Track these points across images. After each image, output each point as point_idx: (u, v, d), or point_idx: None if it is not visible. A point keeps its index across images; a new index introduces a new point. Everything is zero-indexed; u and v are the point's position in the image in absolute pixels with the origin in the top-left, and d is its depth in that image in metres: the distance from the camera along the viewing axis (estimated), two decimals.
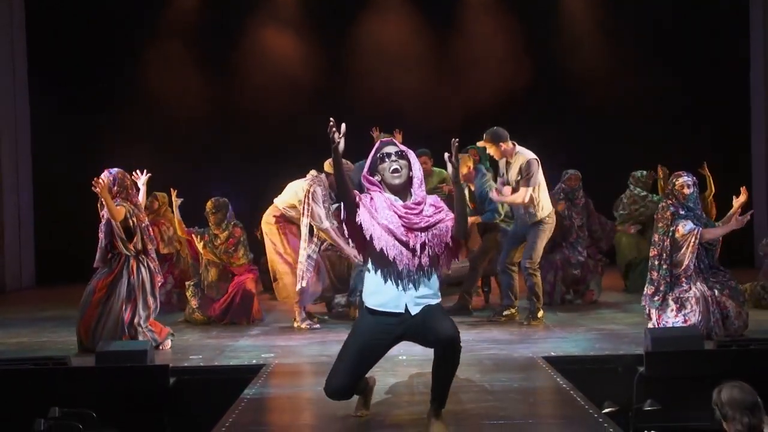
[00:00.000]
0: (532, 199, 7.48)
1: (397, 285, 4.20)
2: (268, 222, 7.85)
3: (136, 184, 7.12)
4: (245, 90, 12.59)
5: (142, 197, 7.19)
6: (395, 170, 4.24)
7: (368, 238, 4.18)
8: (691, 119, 12.36)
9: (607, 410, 4.74)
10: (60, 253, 11.78)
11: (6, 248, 11.76)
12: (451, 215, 4.27)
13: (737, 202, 7.03)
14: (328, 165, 7.62)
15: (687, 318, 6.56)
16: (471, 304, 8.42)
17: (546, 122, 11.67)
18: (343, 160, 4.22)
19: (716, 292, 6.64)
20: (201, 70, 12.52)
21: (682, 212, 6.74)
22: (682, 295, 6.64)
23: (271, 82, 12.46)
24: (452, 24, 12.86)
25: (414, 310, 4.21)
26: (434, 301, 4.26)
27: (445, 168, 4.26)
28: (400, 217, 4.19)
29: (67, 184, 11.63)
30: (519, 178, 7.51)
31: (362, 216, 4.19)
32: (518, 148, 7.62)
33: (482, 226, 8.34)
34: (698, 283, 6.65)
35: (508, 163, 7.66)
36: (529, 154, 7.54)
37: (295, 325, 7.76)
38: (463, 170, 7.94)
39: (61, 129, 12.18)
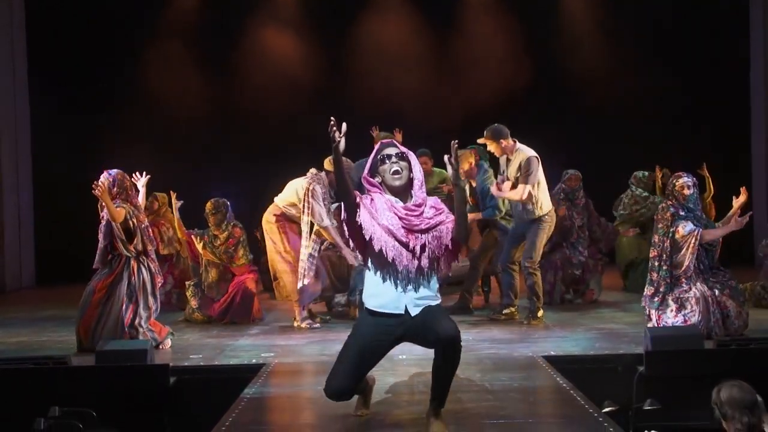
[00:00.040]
0: (531, 196, 7.49)
1: (397, 286, 4.20)
2: (268, 221, 7.85)
3: (135, 185, 7.12)
4: (245, 90, 12.59)
5: (141, 198, 7.19)
6: (396, 172, 4.25)
7: (368, 239, 4.18)
8: (691, 119, 12.37)
9: (607, 409, 4.74)
10: (60, 253, 11.78)
11: (6, 248, 11.76)
12: (452, 217, 4.27)
13: (737, 202, 7.03)
14: (328, 163, 7.63)
15: (687, 318, 6.56)
16: (472, 304, 8.43)
17: (546, 122, 11.67)
18: (344, 158, 4.23)
19: (716, 292, 6.64)
20: (201, 70, 12.53)
21: (682, 213, 6.74)
22: (682, 296, 6.65)
23: (271, 82, 12.47)
24: (452, 24, 12.87)
25: (414, 312, 4.21)
26: (434, 302, 4.26)
27: (446, 168, 4.26)
28: (400, 218, 4.20)
29: (67, 184, 11.64)
30: (518, 174, 7.52)
31: (363, 217, 4.19)
32: (519, 145, 7.62)
33: (482, 222, 8.34)
34: (698, 284, 6.65)
35: (508, 160, 7.67)
36: (530, 152, 7.55)
37: (295, 324, 7.77)
38: (465, 166, 7.95)
39: (61, 129, 12.18)
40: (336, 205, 7.93)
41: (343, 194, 4.23)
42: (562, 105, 12.36)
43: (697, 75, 12.33)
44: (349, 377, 4.29)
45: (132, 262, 6.77)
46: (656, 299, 6.72)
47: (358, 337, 4.32)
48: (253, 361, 6.19)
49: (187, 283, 8.54)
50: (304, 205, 7.59)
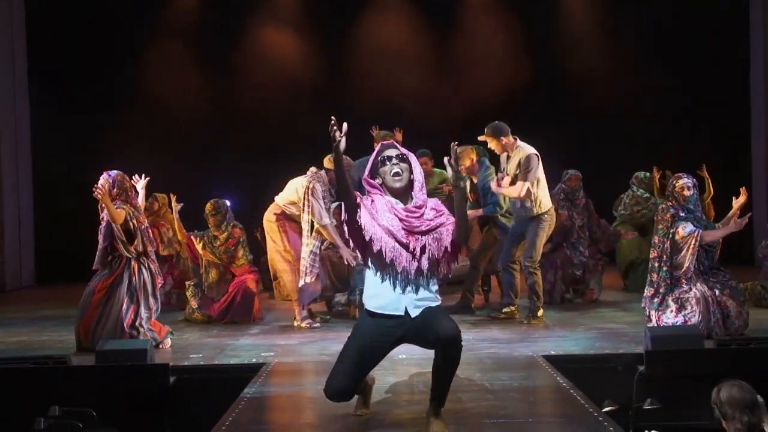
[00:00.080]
0: (529, 193, 7.48)
1: (397, 287, 4.21)
2: (268, 220, 7.86)
3: (135, 186, 7.13)
4: (245, 90, 12.59)
5: (141, 200, 7.19)
6: (396, 173, 4.25)
7: (368, 239, 4.18)
8: (691, 119, 12.36)
9: (607, 409, 4.74)
10: (60, 252, 11.78)
11: (6, 248, 11.76)
12: (452, 219, 4.28)
13: (737, 203, 7.03)
14: (327, 161, 7.63)
15: (687, 319, 6.56)
16: (473, 303, 8.43)
17: (546, 122, 11.67)
18: (344, 157, 4.23)
19: (716, 292, 6.64)
20: (201, 70, 12.52)
21: (682, 214, 6.74)
22: (682, 296, 6.65)
23: (271, 81, 12.47)
24: (452, 24, 12.87)
25: (414, 313, 4.21)
26: (434, 304, 4.26)
27: (446, 169, 4.27)
28: (400, 220, 4.20)
29: (67, 184, 11.64)
30: (518, 171, 7.51)
31: (363, 217, 4.20)
32: (519, 142, 7.63)
33: (482, 220, 8.32)
34: (698, 284, 6.65)
35: (508, 157, 7.67)
36: (530, 149, 7.55)
37: (295, 324, 7.77)
38: (466, 163, 7.96)
39: (61, 129, 12.18)
40: (336, 204, 7.94)
41: (344, 194, 4.23)
42: (562, 105, 12.36)
43: (697, 75, 12.32)
44: (349, 378, 4.29)
45: (132, 263, 6.78)
46: (656, 300, 6.72)
47: (358, 338, 4.32)
48: (253, 360, 6.19)
49: (187, 283, 8.54)
50: (304, 204, 7.59)
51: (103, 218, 6.77)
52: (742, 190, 7.09)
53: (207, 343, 7.08)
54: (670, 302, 6.67)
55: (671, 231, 6.71)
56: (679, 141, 12.00)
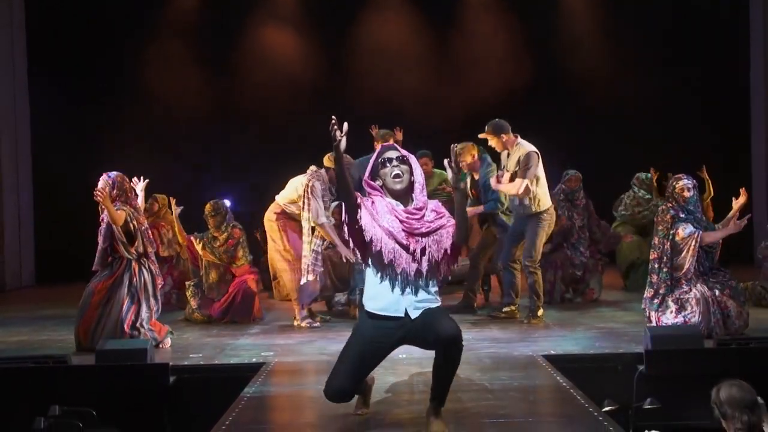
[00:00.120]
0: (528, 191, 7.47)
1: (397, 289, 4.21)
2: (269, 219, 7.87)
3: (134, 188, 7.12)
4: (245, 90, 12.59)
5: (140, 202, 7.19)
6: (397, 175, 4.25)
7: (368, 240, 4.19)
8: (691, 119, 12.36)
9: (607, 409, 4.73)
10: (60, 252, 11.78)
11: (6, 248, 11.76)
12: (453, 221, 4.28)
13: (736, 204, 7.02)
14: (327, 160, 7.64)
15: (687, 320, 6.56)
16: (476, 302, 8.44)
17: (546, 122, 11.66)
18: (344, 155, 4.24)
19: (716, 292, 6.64)
20: (201, 69, 12.52)
21: (682, 215, 6.73)
22: (681, 297, 6.65)
23: (271, 81, 12.47)
24: (452, 23, 12.87)
25: (414, 314, 4.22)
26: (434, 305, 4.26)
27: (446, 170, 4.27)
28: (401, 221, 4.20)
29: (67, 184, 11.64)
30: (517, 168, 7.51)
31: (363, 218, 4.20)
32: (520, 140, 7.62)
33: (481, 217, 8.29)
34: (698, 285, 6.65)
35: (509, 155, 7.67)
36: (530, 147, 7.55)
37: (295, 323, 7.77)
38: (468, 159, 7.95)
39: (62, 129, 12.18)
40: (336, 203, 7.94)
41: (344, 195, 4.23)
42: (562, 105, 12.35)
43: (697, 75, 12.32)
44: (349, 379, 4.29)
45: (133, 264, 6.78)
46: (656, 301, 6.73)
47: (358, 339, 4.32)
48: (253, 360, 6.19)
49: (187, 283, 8.54)
50: (303, 202, 7.60)
51: (102, 219, 6.77)
52: (742, 190, 7.08)
53: (207, 342, 7.08)
54: (670, 303, 6.67)
55: (671, 232, 6.71)
56: (679, 141, 11.99)
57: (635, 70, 12.47)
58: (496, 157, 8.03)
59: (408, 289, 4.21)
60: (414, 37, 12.68)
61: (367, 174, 4.34)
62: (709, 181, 9.43)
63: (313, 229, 7.60)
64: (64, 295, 9.62)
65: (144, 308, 6.75)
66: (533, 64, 12.46)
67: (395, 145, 4.45)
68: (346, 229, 4.26)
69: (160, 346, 6.77)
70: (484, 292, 9.10)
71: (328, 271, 8.25)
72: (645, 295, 6.84)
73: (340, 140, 4.07)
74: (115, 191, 6.76)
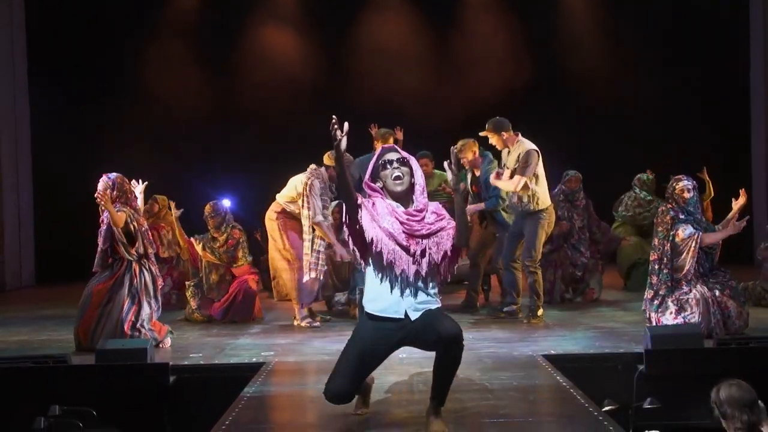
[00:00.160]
0: (527, 189, 7.47)
1: (397, 290, 4.21)
2: (270, 218, 7.87)
3: (133, 190, 7.11)
4: (245, 90, 12.59)
5: (140, 205, 7.18)
6: (397, 177, 4.25)
7: (369, 241, 4.18)
8: (691, 119, 12.36)
9: (607, 408, 4.74)
10: (60, 252, 11.78)
11: (6, 247, 11.76)
12: (453, 223, 4.28)
13: (736, 204, 7.01)
14: (327, 158, 7.65)
15: (687, 320, 6.55)
16: (478, 301, 8.44)
17: (546, 122, 11.65)
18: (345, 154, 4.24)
19: (716, 292, 6.63)
20: (201, 69, 12.52)
21: (681, 216, 6.73)
22: (681, 298, 6.64)
23: (271, 81, 12.47)
24: (452, 23, 12.87)
25: (414, 316, 4.22)
26: (434, 306, 4.26)
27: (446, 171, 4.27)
28: (401, 223, 4.20)
29: (67, 184, 11.64)
30: (517, 165, 7.51)
31: (364, 218, 4.20)
32: (521, 138, 7.63)
33: (480, 214, 8.26)
34: (698, 286, 6.65)
35: (509, 152, 7.66)
36: (530, 145, 7.56)
37: (295, 323, 7.78)
38: (469, 156, 7.96)
39: (62, 129, 12.18)
40: (336, 202, 7.95)
41: (345, 196, 4.24)
42: (562, 105, 12.35)
43: (697, 75, 12.32)
44: (349, 381, 4.28)
45: (134, 265, 6.78)
46: (656, 302, 6.73)
47: (358, 341, 4.32)
48: (253, 359, 6.19)
49: (187, 283, 8.54)
50: (303, 200, 7.60)
51: (102, 221, 6.77)
52: (742, 191, 7.07)
53: (207, 342, 7.09)
54: (670, 304, 6.67)
55: (671, 233, 6.71)
56: (679, 141, 12.00)
57: (635, 70, 12.47)
58: (496, 155, 8.03)
59: (408, 291, 4.21)
60: (414, 37, 12.68)
61: (367, 176, 4.35)
62: (710, 183, 9.43)
63: (320, 223, 7.60)
64: (64, 295, 9.62)
65: (144, 309, 6.75)
66: (533, 64, 12.46)
67: (395, 146, 4.46)
68: (346, 229, 4.26)
69: (160, 345, 6.77)
70: (484, 291, 9.10)
71: (329, 270, 8.26)
72: (645, 296, 6.85)
73: (340, 140, 4.07)
74: (115, 192, 6.76)
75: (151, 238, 7.05)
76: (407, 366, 5.69)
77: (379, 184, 4.31)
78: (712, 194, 9.46)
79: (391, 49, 12.51)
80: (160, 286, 7.01)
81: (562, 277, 9.04)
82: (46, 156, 12.31)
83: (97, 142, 12.06)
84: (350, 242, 4.28)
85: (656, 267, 6.77)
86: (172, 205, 8.65)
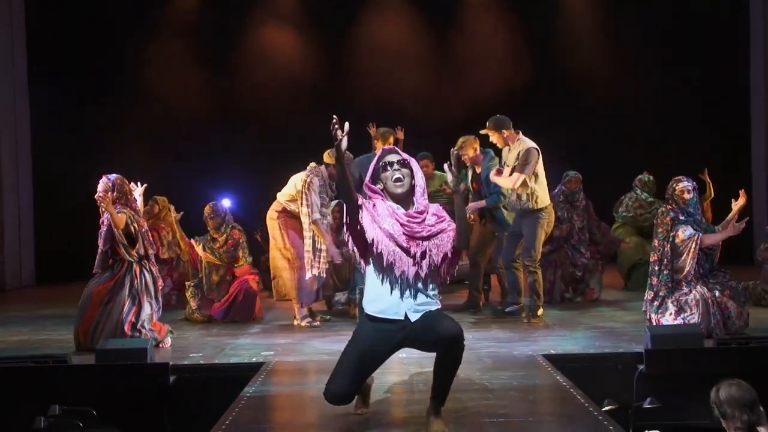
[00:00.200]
0: (525, 187, 7.46)
1: (397, 292, 4.21)
2: (270, 217, 7.88)
3: (133, 192, 7.11)
4: (245, 90, 12.59)
5: (139, 207, 7.18)
6: (398, 179, 4.26)
7: (370, 241, 4.18)
8: (691, 119, 12.36)
9: (606, 408, 4.74)
10: (60, 252, 11.79)
11: (6, 247, 11.76)
12: (453, 225, 4.28)
13: (736, 205, 7.01)
14: (327, 156, 7.66)
15: (686, 321, 6.55)
16: (481, 300, 8.44)
17: (546, 122, 11.64)
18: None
19: (717, 293, 6.63)
20: (201, 69, 12.51)
21: (681, 217, 6.74)
22: (681, 299, 6.64)
23: (271, 81, 12.47)
24: (452, 23, 12.87)
25: (413, 317, 4.22)
26: (434, 308, 4.26)
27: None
28: (402, 225, 4.20)
29: (67, 184, 11.64)
30: (516, 163, 7.51)
31: (364, 219, 4.20)
32: (521, 136, 7.63)
33: (480, 212, 8.25)
34: (698, 287, 6.65)
35: (510, 150, 7.66)
36: (531, 143, 7.55)
37: (295, 323, 7.78)
38: (470, 153, 7.96)
39: (62, 129, 12.18)
40: (336, 202, 7.95)
41: (346, 196, 4.24)
42: (562, 105, 12.35)
43: (697, 75, 12.32)
44: (349, 382, 4.28)
45: (134, 266, 6.78)
46: (656, 303, 6.73)
47: (358, 342, 4.32)
48: (253, 359, 6.20)
49: (187, 284, 8.54)
50: (301, 197, 7.60)
51: (102, 222, 6.77)
52: (741, 192, 7.06)
53: (207, 342, 7.09)
54: (669, 305, 6.67)
55: (671, 234, 6.71)
56: (679, 141, 12.00)
57: (635, 70, 12.47)
58: (497, 153, 8.03)
59: (408, 292, 4.21)
60: (414, 37, 12.68)
61: (368, 178, 4.35)
62: (710, 184, 9.42)
63: (317, 221, 7.59)
64: (64, 295, 9.62)
65: (145, 310, 6.75)
66: (533, 64, 12.46)
67: (396, 148, 4.46)
68: (346, 230, 4.26)
69: (161, 345, 6.77)
70: (483, 291, 9.09)
71: (330, 270, 8.26)
72: (645, 297, 6.85)
73: (341, 140, 4.07)
74: (115, 193, 6.76)
75: (151, 239, 7.05)
76: (407, 366, 5.69)
77: (379, 186, 4.31)
78: (713, 195, 9.45)
79: (391, 49, 12.51)
80: (160, 287, 7.01)
81: (562, 276, 9.04)
82: (46, 156, 12.30)
83: (97, 142, 12.06)
84: (350, 243, 4.29)
85: (656, 268, 6.77)
86: (172, 208, 8.65)
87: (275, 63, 12.61)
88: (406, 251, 4.18)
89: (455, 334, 4.10)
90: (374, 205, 4.25)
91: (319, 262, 7.61)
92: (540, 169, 7.58)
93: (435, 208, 4.35)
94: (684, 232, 6.65)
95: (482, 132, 7.78)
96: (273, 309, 8.87)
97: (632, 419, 4.93)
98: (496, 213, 8.11)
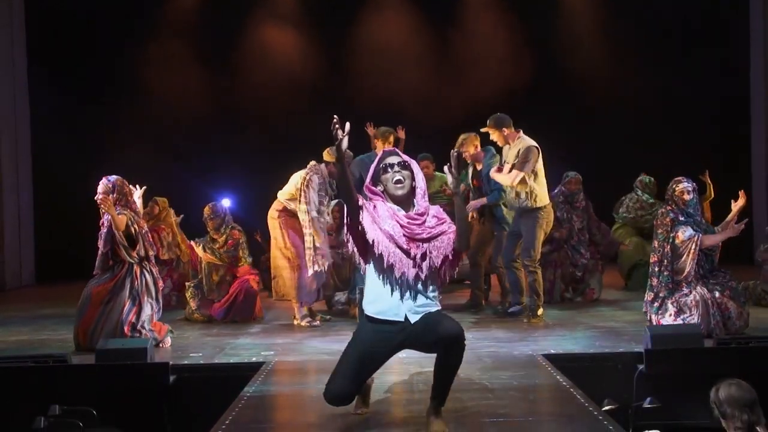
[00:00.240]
0: (525, 184, 7.46)
1: (397, 293, 4.21)
2: (271, 216, 7.89)
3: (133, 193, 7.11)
4: (245, 90, 12.59)
5: (139, 209, 7.18)
6: (398, 181, 4.26)
7: (370, 242, 4.18)
8: (691, 119, 12.36)
9: (606, 408, 4.74)
10: (60, 252, 11.79)
11: (6, 247, 11.76)
12: (454, 227, 4.28)
13: (735, 206, 7.00)
14: (327, 154, 7.66)
15: (686, 323, 6.55)
16: (483, 299, 8.44)
17: (546, 122, 11.64)
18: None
19: (717, 294, 6.63)
20: (201, 69, 12.52)
21: (681, 218, 6.73)
22: (681, 300, 6.64)
23: (271, 81, 12.47)
24: (452, 23, 12.88)
25: (413, 319, 4.22)
26: (434, 309, 4.26)
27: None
28: (402, 226, 4.20)
29: (67, 184, 11.64)
30: (516, 161, 7.51)
31: (365, 220, 4.20)
32: (522, 134, 7.63)
33: (480, 210, 8.25)
34: (698, 287, 6.64)
35: (510, 148, 7.66)
36: (531, 142, 7.56)
37: (295, 322, 7.78)
38: (470, 150, 7.96)
39: (62, 129, 12.18)
40: (336, 201, 7.95)
41: (346, 197, 4.24)
42: (562, 105, 12.35)
43: (697, 75, 12.32)
44: (349, 383, 4.28)
45: (135, 267, 6.78)
46: (656, 304, 6.73)
47: (358, 343, 4.32)
48: (253, 359, 6.20)
49: (186, 284, 8.54)
50: (300, 193, 7.60)
51: (102, 224, 6.77)
52: (741, 193, 7.06)
53: (207, 341, 7.09)
54: (669, 306, 6.67)
55: (671, 235, 6.71)
56: (679, 141, 11.99)
57: (635, 70, 12.47)
58: (498, 151, 8.02)
59: (408, 294, 4.21)
60: (414, 37, 12.68)
61: (368, 180, 4.35)
62: (711, 185, 9.41)
63: (314, 219, 7.59)
64: (64, 294, 9.62)
65: (145, 310, 6.75)
66: (533, 64, 12.46)
67: (396, 150, 4.46)
68: (346, 231, 4.26)
69: (161, 345, 6.77)
70: (483, 291, 9.09)
71: (330, 270, 8.26)
72: (645, 298, 6.85)
73: (341, 140, 4.07)
74: (115, 195, 6.76)
75: (151, 240, 7.05)
76: (407, 366, 5.69)
77: (380, 188, 4.31)
78: (712, 196, 9.44)
79: (391, 49, 12.51)
80: (161, 288, 7.01)
81: (562, 276, 9.03)
82: (46, 156, 12.31)
83: (97, 142, 12.06)
84: (351, 243, 4.29)
85: (656, 269, 6.77)
86: (172, 212, 8.64)
87: (275, 63, 12.61)
88: (407, 253, 4.18)
89: (456, 333, 4.10)
90: (375, 206, 4.25)
91: (321, 257, 7.61)
92: (540, 168, 7.58)
93: (435, 210, 4.34)
94: (684, 233, 6.65)
95: (483, 130, 7.78)
96: (273, 309, 8.87)
97: (632, 419, 4.93)
98: (496, 210, 8.10)
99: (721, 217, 7.23)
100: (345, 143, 4.09)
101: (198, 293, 8.28)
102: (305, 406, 4.94)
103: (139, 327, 6.68)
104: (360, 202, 4.22)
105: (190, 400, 5.68)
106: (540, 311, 7.64)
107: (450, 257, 4.25)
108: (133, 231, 6.76)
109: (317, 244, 7.60)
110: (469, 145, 7.97)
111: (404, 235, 4.19)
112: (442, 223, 4.28)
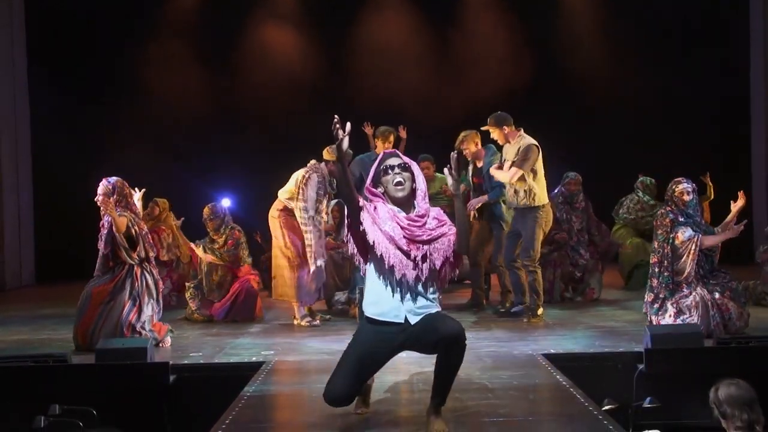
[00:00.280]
0: (524, 182, 7.45)
1: (397, 295, 4.21)
2: (272, 216, 7.89)
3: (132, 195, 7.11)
4: (245, 90, 12.59)
5: (138, 210, 7.18)
6: (399, 183, 4.25)
7: (371, 243, 4.18)
8: (691, 119, 12.36)
9: (606, 407, 4.74)
10: (60, 252, 11.79)
11: (6, 247, 11.77)
12: (454, 229, 4.28)
13: (735, 207, 7.00)
14: (327, 153, 7.66)
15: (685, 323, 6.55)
16: (484, 299, 8.44)
17: (546, 122, 11.62)
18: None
19: (717, 294, 6.62)
20: (201, 69, 12.52)
21: (681, 219, 6.73)
22: (681, 301, 6.64)
23: (271, 81, 12.47)
24: (452, 23, 12.88)
25: (413, 320, 4.22)
26: (434, 310, 4.26)
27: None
28: (402, 228, 4.20)
29: (67, 184, 11.64)
30: (516, 159, 7.51)
31: (365, 221, 4.20)
32: (522, 133, 7.63)
33: (480, 208, 8.24)
34: (698, 288, 6.64)
35: (510, 147, 7.66)
36: (531, 140, 7.56)
37: (295, 322, 7.78)
38: (471, 147, 7.96)
39: (62, 129, 12.18)
40: (335, 201, 7.95)
41: (347, 197, 4.24)
42: (562, 105, 12.35)
43: (697, 75, 12.32)
44: (349, 384, 4.28)
45: (135, 268, 6.78)
46: (656, 305, 6.72)
47: (359, 344, 4.32)
48: (253, 359, 6.20)
49: (186, 285, 8.54)
50: (298, 191, 7.60)
51: (103, 225, 6.77)
52: (740, 194, 7.05)
53: (207, 341, 7.09)
54: (669, 307, 6.66)
55: (671, 236, 6.70)
56: (679, 141, 11.99)
57: (635, 70, 12.47)
58: (498, 149, 8.02)
59: (408, 296, 4.21)
60: (414, 37, 12.68)
61: (369, 181, 4.35)
62: (711, 186, 9.41)
63: (312, 217, 7.59)
64: (64, 294, 9.62)
65: (146, 311, 6.75)
66: (533, 64, 12.46)
67: (397, 151, 4.46)
68: (347, 231, 4.26)
69: (160, 344, 6.77)
70: (483, 291, 9.09)
71: (330, 270, 8.25)
72: (645, 299, 6.84)
73: (342, 140, 4.07)
74: (115, 196, 6.76)
75: (151, 241, 7.05)
76: (407, 365, 5.69)
77: (380, 190, 4.31)
78: (712, 197, 9.44)
79: (391, 49, 12.51)
80: (161, 289, 7.01)
81: (562, 276, 9.03)
82: (46, 156, 12.31)
83: (97, 142, 12.06)
84: (351, 244, 4.29)
85: (656, 270, 6.76)
86: (172, 215, 8.64)
87: (275, 63, 12.61)
88: (407, 254, 4.18)
89: (456, 333, 4.10)
90: (375, 207, 4.25)
91: (323, 252, 7.62)
92: (539, 167, 7.58)
93: (436, 211, 4.34)
94: (684, 234, 6.65)
95: (483, 128, 7.79)
96: (273, 308, 8.87)
97: (632, 419, 4.93)
98: (495, 208, 8.08)
99: (720, 218, 7.23)
100: (346, 143, 4.09)
101: (198, 294, 8.28)
102: (305, 406, 4.94)
103: (138, 328, 6.68)
104: (360, 203, 4.22)
105: (190, 399, 5.68)
106: (540, 311, 7.64)
107: (450, 259, 4.25)
108: (134, 232, 6.76)
109: (312, 243, 7.60)
110: (470, 143, 7.97)
111: (405, 237, 4.19)
112: (443, 225, 4.28)
